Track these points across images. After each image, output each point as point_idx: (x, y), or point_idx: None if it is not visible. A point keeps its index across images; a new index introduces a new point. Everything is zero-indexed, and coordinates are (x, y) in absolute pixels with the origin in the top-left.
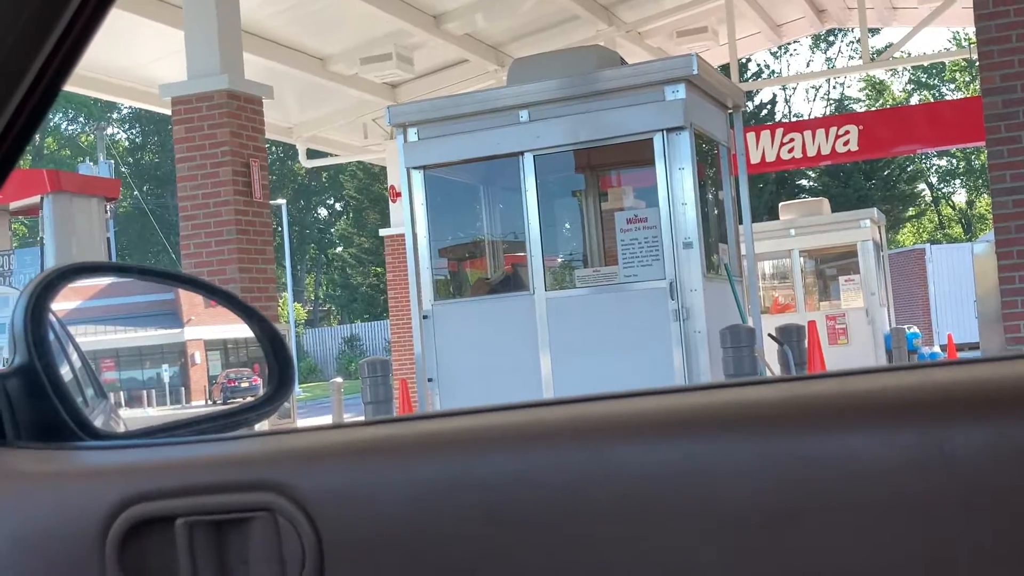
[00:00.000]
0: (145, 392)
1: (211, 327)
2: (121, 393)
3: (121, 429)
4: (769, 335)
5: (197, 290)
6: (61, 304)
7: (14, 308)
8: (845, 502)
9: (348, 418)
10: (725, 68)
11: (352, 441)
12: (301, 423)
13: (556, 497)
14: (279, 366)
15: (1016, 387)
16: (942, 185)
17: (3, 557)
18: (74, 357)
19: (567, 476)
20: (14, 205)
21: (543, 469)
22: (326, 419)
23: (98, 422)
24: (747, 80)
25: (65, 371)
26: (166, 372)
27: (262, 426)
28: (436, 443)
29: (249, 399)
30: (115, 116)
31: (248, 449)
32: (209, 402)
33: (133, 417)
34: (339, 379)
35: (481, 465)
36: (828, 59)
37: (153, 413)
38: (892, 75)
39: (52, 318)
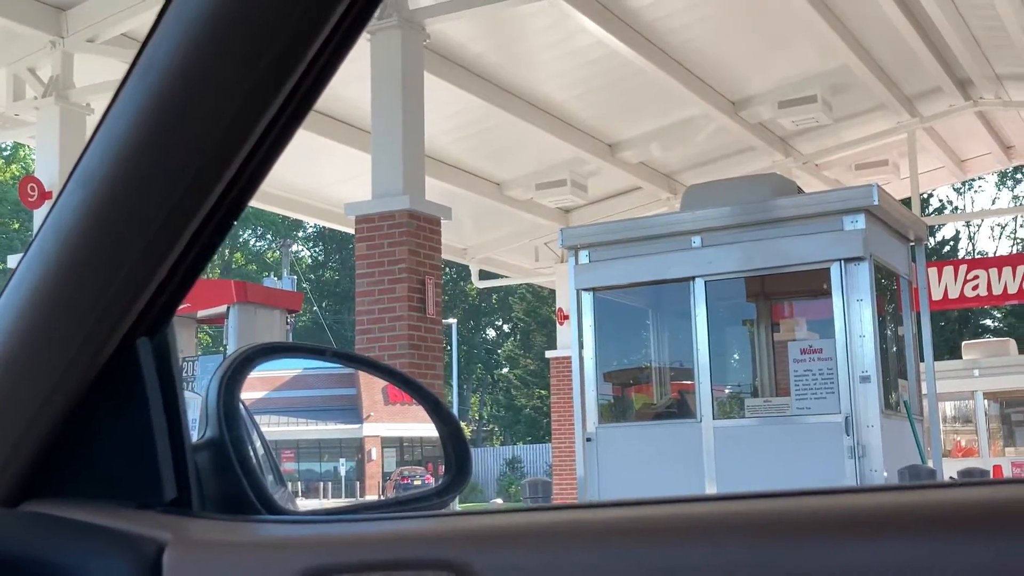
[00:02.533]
0: (322, 484)
1: (388, 424)
2: (299, 483)
3: None
4: (951, 479)
5: (384, 376)
6: (248, 393)
7: (208, 383)
8: None
9: None
10: (906, 202)
11: (534, 524)
12: None
13: None
14: (457, 457)
15: None
16: None
17: None
18: (258, 444)
19: (768, 573)
20: (201, 314)
21: (740, 565)
22: None
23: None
24: (929, 215)
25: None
26: (343, 466)
27: None
28: (623, 531)
29: (426, 487)
30: (300, 234)
31: (427, 527)
32: (382, 498)
33: (309, 507)
34: (499, 500)
35: (672, 557)
36: (1015, 196)
37: (329, 505)
38: None
39: (241, 405)
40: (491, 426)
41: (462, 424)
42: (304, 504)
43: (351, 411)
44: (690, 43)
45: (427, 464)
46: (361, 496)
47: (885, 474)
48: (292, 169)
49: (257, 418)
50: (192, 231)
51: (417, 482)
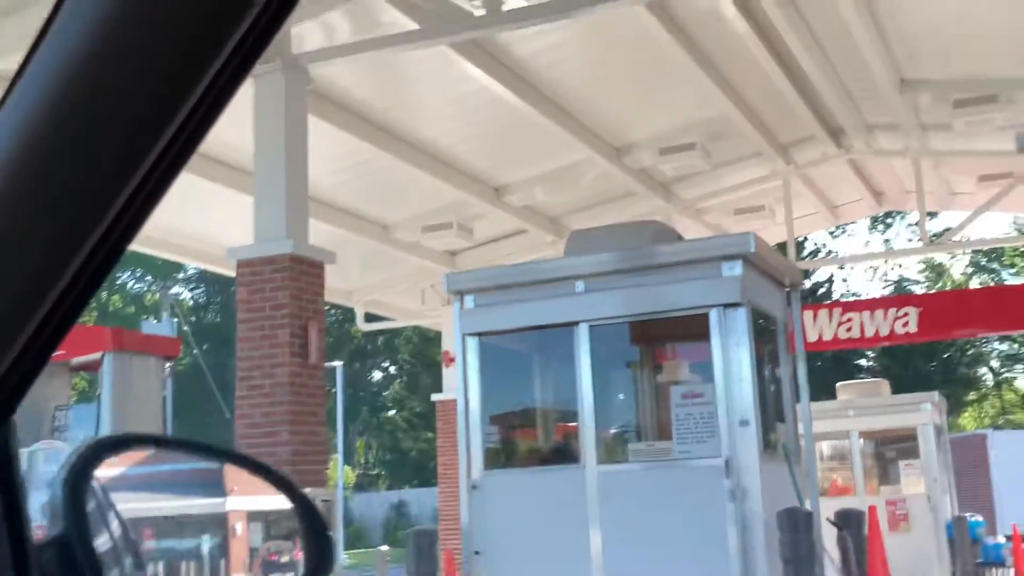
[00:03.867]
0: (184, 564)
1: (254, 498)
2: (160, 564)
3: None
4: (828, 519)
5: (237, 463)
6: (107, 470)
7: (56, 477)
8: None
9: None
10: (782, 246)
11: None
12: None
13: None
14: (318, 548)
15: None
16: (1004, 369)
17: None
18: (114, 525)
19: None
20: (76, 360)
21: None
22: None
23: None
24: (804, 258)
25: (104, 540)
26: (206, 543)
27: None
28: None
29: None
30: (181, 276)
31: None
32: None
33: None
34: (385, 547)
35: None
36: (886, 240)
37: None
38: (952, 257)
39: (95, 484)
40: (377, 469)
41: (325, 517)
42: None
43: (215, 485)
44: (574, 91)
45: (295, 539)
46: (226, 575)
47: (762, 515)
48: (172, 211)
49: (115, 496)
50: (65, 281)
51: (285, 558)
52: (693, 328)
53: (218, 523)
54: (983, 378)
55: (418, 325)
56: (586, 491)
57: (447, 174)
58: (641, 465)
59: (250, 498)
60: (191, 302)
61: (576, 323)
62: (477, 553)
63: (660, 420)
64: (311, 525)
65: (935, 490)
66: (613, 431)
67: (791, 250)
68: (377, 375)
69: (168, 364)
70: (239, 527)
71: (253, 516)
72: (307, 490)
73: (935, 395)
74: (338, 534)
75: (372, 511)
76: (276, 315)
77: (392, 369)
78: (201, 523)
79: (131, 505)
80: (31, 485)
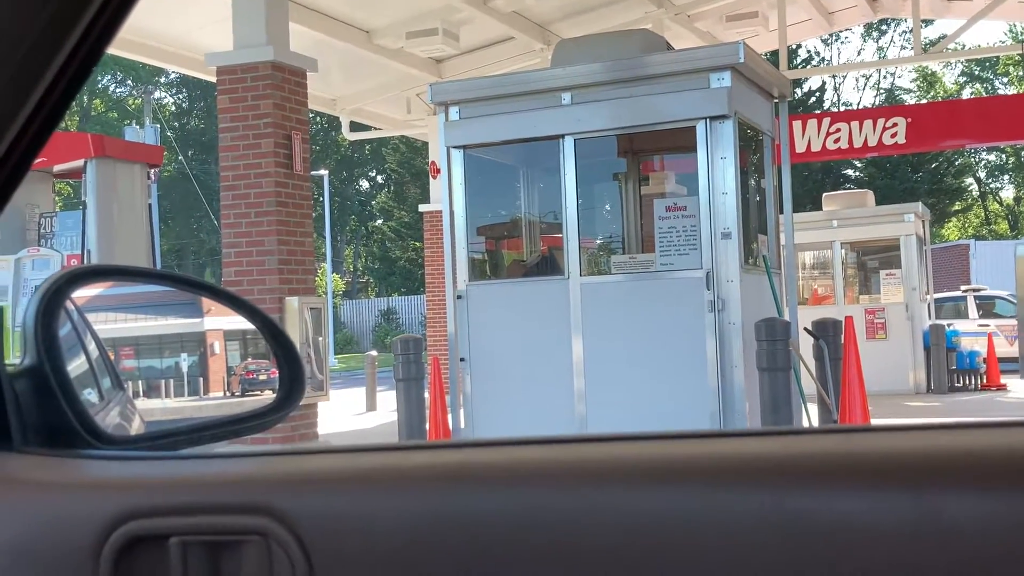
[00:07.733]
0: (163, 382)
1: (230, 317)
2: (140, 382)
3: (135, 424)
4: (805, 329)
5: (209, 295)
6: (84, 291)
7: (27, 307)
8: (834, 564)
9: (381, 393)
10: (775, 54)
11: (348, 468)
12: (336, 393)
13: (546, 539)
14: (290, 374)
15: (1020, 457)
16: (990, 180)
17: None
18: (91, 347)
19: (559, 518)
20: (58, 168)
21: (535, 509)
22: (358, 393)
23: (111, 416)
24: (796, 67)
25: (80, 362)
26: (185, 361)
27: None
28: (431, 476)
29: (264, 395)
30: (163, 80)
31: (246, 469)
32: (228, 394)
33: (150, 408)
34: (374, 352)
35: (474, 501)
36: (880, 48)
37: (171, 404)
38: (945, 66)
39: (71, 307)
40: (366, 278)
41: (295, 343)
42: (145, 405)
43: (191, 305)
44: None
45: (272, 358)
46: (205, 393)
47: (741, 325)
48: (150, 14)
49: (92, 317)
50: (41, 90)
51: (263, 376)
52: (680, 140)
53: (196, 342)
54: (969, 189)
55: (405, 135)
56: (569, 302)
57: None
58: (624, 277)
59: (226, 318)
60: (173, 107)
61: (561, 136)
62: (463, 360)
63: (644, 232)
64: (285, 355)
65: (914, 299)
66: (598, 243)
67: (783, 58)
68: (364, 184)
69: (151, 172)
70: (217, 346)
71: (230, 335)
72: (296, 298)
73: (918, 206)
74: (328, 339)
75: (361, 318)
76: (259, 124)
77: (379, 178)
78: (179, 342)
79: (109, 326)
80: (18, 291)
